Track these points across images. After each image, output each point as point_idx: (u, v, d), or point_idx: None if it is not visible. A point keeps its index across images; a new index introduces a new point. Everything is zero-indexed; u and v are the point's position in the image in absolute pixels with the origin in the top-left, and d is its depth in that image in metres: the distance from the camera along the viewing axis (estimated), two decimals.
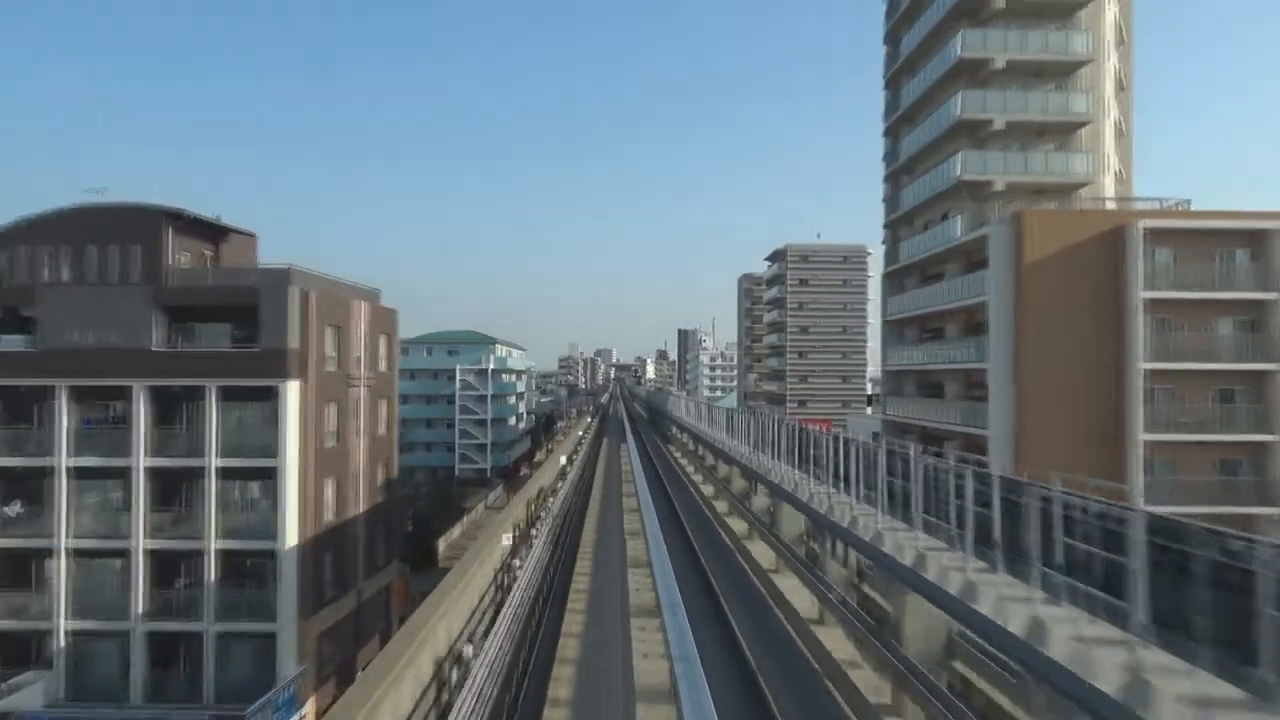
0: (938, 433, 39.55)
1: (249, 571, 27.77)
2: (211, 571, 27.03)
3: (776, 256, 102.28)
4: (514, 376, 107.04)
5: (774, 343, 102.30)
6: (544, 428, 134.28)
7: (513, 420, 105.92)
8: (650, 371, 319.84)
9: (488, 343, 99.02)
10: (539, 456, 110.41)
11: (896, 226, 47.77)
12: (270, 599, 27.01)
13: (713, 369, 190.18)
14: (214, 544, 27.10)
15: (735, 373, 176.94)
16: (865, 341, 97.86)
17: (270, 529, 27.04)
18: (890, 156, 47.98)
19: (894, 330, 47.37)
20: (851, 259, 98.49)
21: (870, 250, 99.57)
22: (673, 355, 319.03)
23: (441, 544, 61.93)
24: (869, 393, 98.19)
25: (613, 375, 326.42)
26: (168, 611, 27.13)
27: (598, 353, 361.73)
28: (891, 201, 47.97)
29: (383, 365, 34.97)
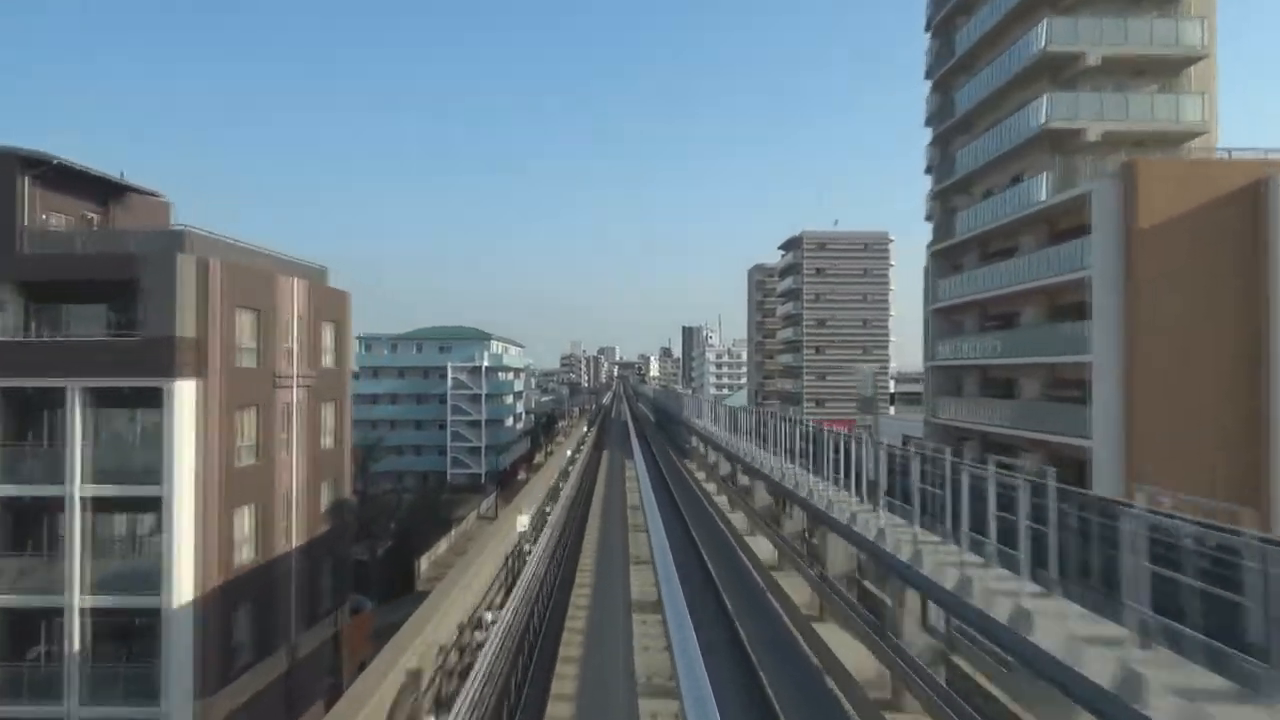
0: (1007, 440, 32.57)
1: (134, 634, 20.91)
2: (77, 637, 20.15)
3: (791, 244, 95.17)
4: (511, 374, 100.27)
5: (789, 338, 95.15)
6: (544, 428, 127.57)
7: (510, 421, 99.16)
8: (654, 369, 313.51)
9: (482, 338, 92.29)
10: (538, 458, 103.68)
11: (947, 196, 40.73)
12: (159, 672, 20.13)
13: (719, 366, 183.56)
14: (80, 599, 20.22)
15: (743, 370, 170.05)
16: (888, 336, 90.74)
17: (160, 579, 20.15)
18: (939, 115, 40.92)
19: (945, 319, 40.35)
20: (872, 246, 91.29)
21: (892, 238, 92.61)
22: (677, 353, 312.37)
23: (424, 562, 55.06)
24: (892, 391, 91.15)
25: (615, 373, 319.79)
26: (18, 690, 20.26)
27: (601, 351, 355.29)
28: (941, 168, 40.94)
29: (328, 360, 28.05)
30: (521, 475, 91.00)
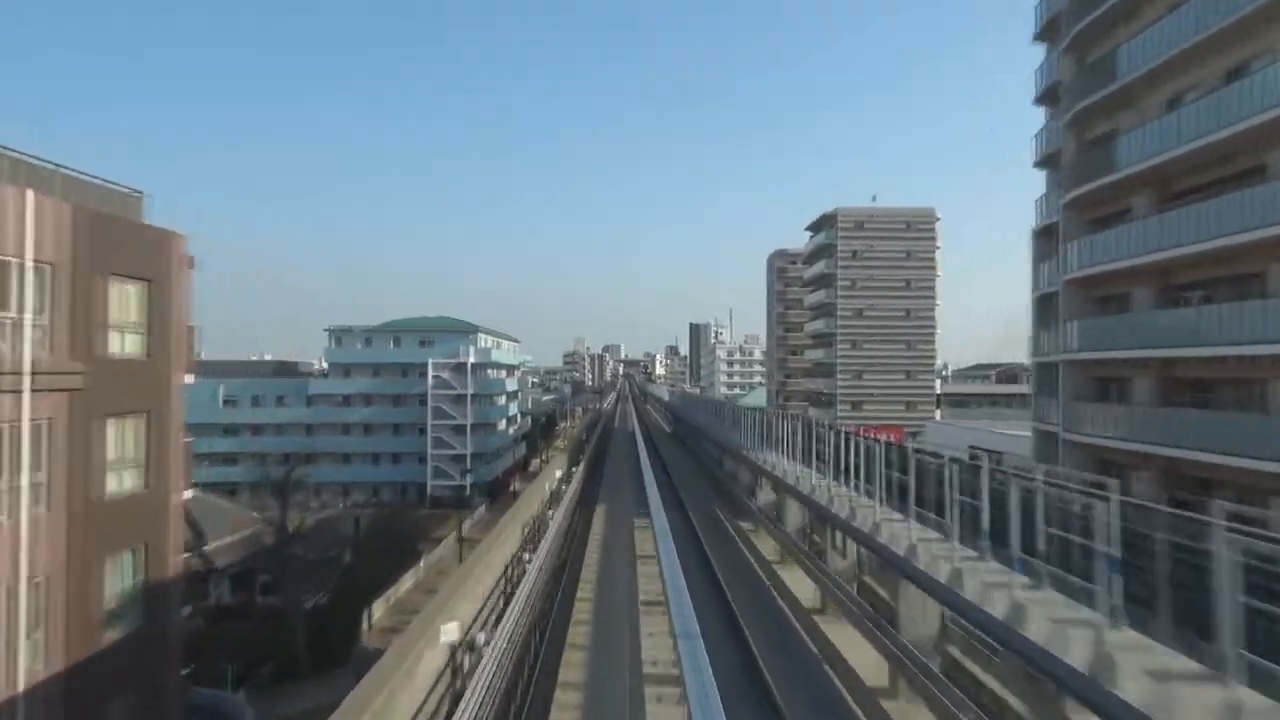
0: (1235, 478, 20.71)
1: None
2: None
3: (822, 224, 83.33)
4: (503, 372, 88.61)
5: (819, 330, 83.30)
6: (543, 430, 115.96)
7: (502, 424, 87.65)
8: (659, 368, 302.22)
9: (468, 331, 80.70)
10: (535, 465, 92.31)
11: (1090, 119, 28.87)
12: None
13: (730, 364, 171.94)
14: None
15: (755, 369, 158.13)
16: (934, 328, 78.88)
17: None
18: (1075, 10, 29.00)
19: (1084, 294, 28.62)
20: (916, 225, 79.37)
21: (939, 215, 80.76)
22: (683, 350, 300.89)
23: (379, 608, 43.17)
24: (939, 392, 79.45)
25: (621, 372, 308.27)
26: None
27: (605, 348, 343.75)
28: (1081, 82, 29.08)
29: (129, 344, 16.47)
30: (515, 486, 79.75)
